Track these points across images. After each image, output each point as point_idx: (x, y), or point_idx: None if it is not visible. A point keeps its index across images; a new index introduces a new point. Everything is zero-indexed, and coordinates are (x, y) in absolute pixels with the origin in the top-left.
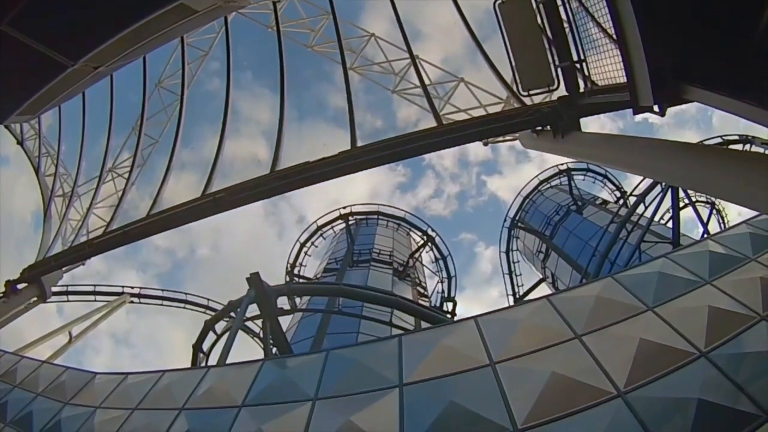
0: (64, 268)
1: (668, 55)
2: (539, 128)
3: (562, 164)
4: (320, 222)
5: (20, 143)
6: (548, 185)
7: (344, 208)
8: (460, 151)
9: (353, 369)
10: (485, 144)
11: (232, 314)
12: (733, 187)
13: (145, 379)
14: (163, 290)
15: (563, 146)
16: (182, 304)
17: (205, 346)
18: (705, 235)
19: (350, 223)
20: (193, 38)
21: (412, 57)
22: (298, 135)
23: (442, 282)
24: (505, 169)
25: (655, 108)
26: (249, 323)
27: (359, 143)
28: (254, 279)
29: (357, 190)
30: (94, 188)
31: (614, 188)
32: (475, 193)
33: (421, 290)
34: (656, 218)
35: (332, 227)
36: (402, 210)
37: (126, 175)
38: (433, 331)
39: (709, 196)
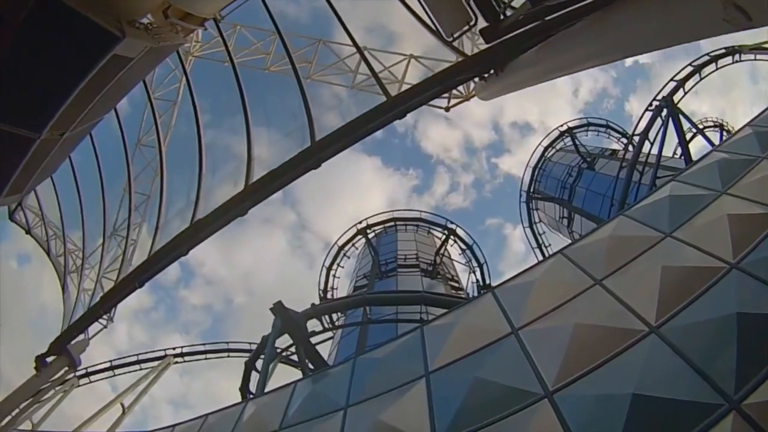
0: (90, 336)
1: None
2: (485, 75)
3: (561, 126)
4: (340, 242)
5: (28, 232)
6: (553, 150)
7: (360, 222)
8: (465, 140)
9: (380, 369)
10: (447, 110)
11: None
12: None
13: (190, 425)
14: (204, 344)
15: (509, 80)
16: (225, 354)
17: (253, 387)
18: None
19: (370, 236)
20: (160, 92)
21: (358, 48)
22: (272, 148)
23: (473, 272)
24: (511, 146)
25: None
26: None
27: None
28: (278, 308)
29: (374, 203)
30: (100, 255)
31: (619, 135)
32: (489, 178)
33: (455, 284)
34: (668, 154)
35: (353, 245)
36: (417, 211)
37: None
38: (452, 314)
39: (716, 119)
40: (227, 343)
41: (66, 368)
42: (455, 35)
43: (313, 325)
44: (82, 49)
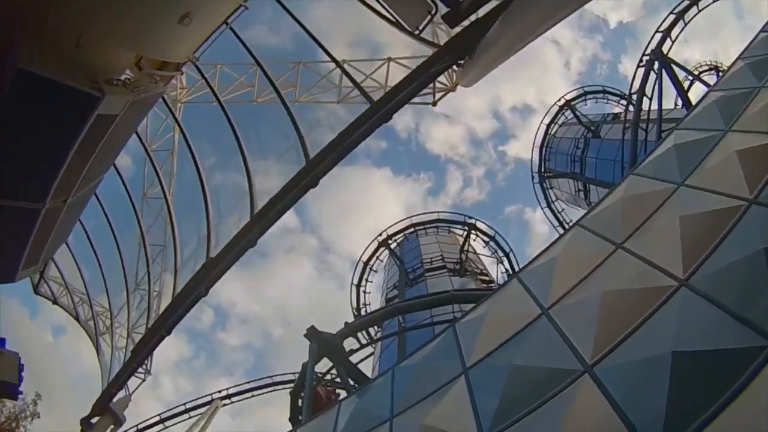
0: (131, 392)
1: None
2: (461, 62)
3: (559, 100)
4: (364, 258)
5: (55, 302)
6: (556, 125)
7: (380, 235)
8: (469, 134)
9: (419, 375)
10: (434, 104)
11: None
12: None
13: None
14: (248, 382)
15: (483, 61)
16: (270, 388)
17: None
18: None
19: (392, 245)
20: (157, 143)
21: (336, 62)
22: (271, 175)
23: (501, 262)
24: (516, 130)
25: None
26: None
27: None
28: (312, 332)
29: (392, 213)
30: (127, 312)
31: (617, 98)
32: (500, 166)
33: (485, 278)
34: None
35: (378, 258)
36: (434, 212)
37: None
38: (481, 307)
39: (711, 62)
40: (271, 377)
41: (112, 426)
42: (420, 27)
43: (351, 343)
44: (66, 114)
